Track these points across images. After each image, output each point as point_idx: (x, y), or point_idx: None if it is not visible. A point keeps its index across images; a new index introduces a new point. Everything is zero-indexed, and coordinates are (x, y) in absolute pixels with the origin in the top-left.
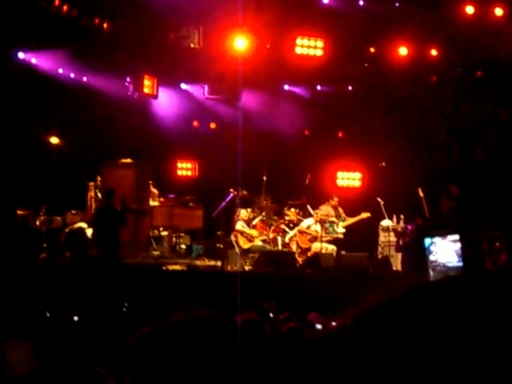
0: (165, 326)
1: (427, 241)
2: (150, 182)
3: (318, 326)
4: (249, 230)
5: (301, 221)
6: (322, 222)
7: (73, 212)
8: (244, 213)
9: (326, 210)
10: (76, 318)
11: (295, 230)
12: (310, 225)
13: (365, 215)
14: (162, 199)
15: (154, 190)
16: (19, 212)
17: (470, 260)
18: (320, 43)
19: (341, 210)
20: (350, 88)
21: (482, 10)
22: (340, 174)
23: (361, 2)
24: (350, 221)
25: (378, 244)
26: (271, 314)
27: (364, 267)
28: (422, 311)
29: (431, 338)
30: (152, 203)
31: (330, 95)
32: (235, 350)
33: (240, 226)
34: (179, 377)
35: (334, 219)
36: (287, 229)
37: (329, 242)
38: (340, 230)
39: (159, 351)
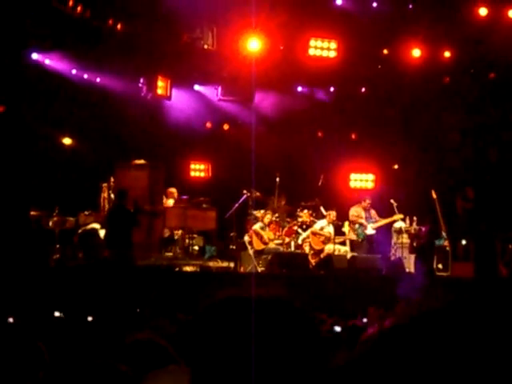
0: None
1: None
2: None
3: (337, 329)
4: (265, 233)
5: (314, 222)
6: (349, 224)
7: (86, 213)
8: (269, 216)
9: (356, 211)
10: (90, 319)
11: (308, 232)
12: (323, 226)
13: (397, 217)
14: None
15: (173, 190)
16: (32, 213)
17: (483, 262)
18: (333, 45)
19: (373, 212)
20: (363, 90)
21: (495, 12)
22: (353, 176)
23: (374, 4)
24: (382, 222)
25: (390, 246)
26: None
27: (377, 269)
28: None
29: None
30: (169, 203)
31: (343, 97)
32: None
33: (258, 226)
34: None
35: (363, 221)
36: (300, 230)
37: (341, 243)
38: (369, 231)
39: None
